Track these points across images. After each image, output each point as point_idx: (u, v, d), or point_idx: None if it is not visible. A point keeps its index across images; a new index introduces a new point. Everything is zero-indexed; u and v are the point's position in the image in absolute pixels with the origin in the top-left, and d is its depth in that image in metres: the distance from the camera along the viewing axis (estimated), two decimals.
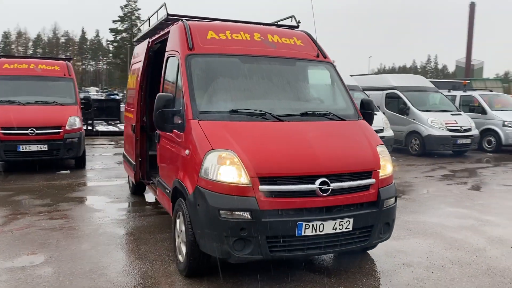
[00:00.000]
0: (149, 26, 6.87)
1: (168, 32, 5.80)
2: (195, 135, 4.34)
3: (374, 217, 4.37)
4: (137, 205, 7.53)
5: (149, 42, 6.72)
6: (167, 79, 5.52)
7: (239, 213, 3.91)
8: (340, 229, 4.16)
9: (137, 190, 8.06)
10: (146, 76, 6.77)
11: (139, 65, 6.95)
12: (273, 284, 4.40)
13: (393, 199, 4.61)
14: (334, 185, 4.15)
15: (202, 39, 5.10)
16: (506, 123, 14.94)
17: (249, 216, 3.90)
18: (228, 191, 3.97)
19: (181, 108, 4.61)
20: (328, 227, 4.10)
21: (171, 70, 5.41)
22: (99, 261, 4.94)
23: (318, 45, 5.71)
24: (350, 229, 4.21)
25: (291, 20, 6.48)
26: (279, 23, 6.68)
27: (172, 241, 4.94)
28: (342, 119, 4.95)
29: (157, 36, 6.57)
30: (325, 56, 5.61)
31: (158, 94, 4.67)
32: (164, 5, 5.95)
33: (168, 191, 5.06)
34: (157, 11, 6.49)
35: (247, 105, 4.74)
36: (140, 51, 7.31)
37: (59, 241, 5.54)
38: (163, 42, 6.34)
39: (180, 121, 4.61)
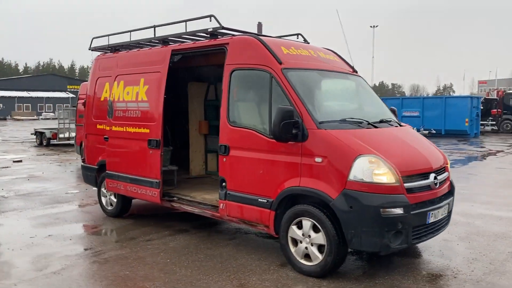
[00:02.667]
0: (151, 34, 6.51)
1: (220, 44, 5.80)
2: (329, 142, 4.66)
3: (452, 203, 5.40)
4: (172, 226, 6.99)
5: (172, 50, 6.39)
6: (235, 93, 5.54)
7: (394, 209, 4.45)
8: (443, 214, 5.07)
9: (121, 211, 7.42)
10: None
11: (153, 76, 6.51)
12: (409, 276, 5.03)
13: None
14: (439, 178, 5.04)
15: (281, 54, 5.35)
16: None
17: (402, 211, 4.47)
18: (384, 190, 4.47)
19: (297, 119, 4.82)
20: (440, 213, 4.96)
21: (245, 84, 5.50)
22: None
23: (346, 61, 6.49)
24: (446, 214, 5.15)
25: (297, 38, 7.02)
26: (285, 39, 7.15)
27: (284, 248, 5.06)
28: (400, 125, 5.84)
29: (185, 45, 6.35)
30: (356, 71, 6.42)
31: (279, 106, 4.78)
32: (213, 16, 5.86)
33: (264, 201, 5.14)
34: (185, 20, 6.28)
35: (345, 114, 5.25)
36: (146, 59, 6.79)
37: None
38: (184, 53, 6.28)
39: (296, 131, 4.81)
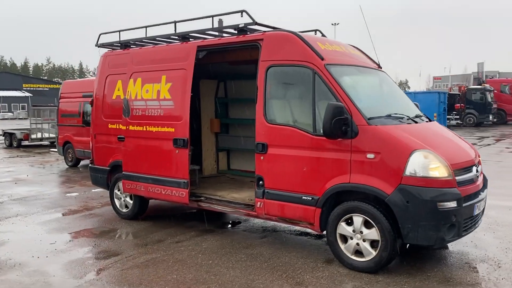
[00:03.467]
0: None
1: (252, 40, 5.71)
2: (382, 139, 4.69)
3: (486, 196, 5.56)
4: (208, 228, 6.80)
5: (197, 46, 6.22)
6: (273, 90, 5.48)
7: (449, 202, 4.53)
8: (483, 206, 5.21)
9: (138, 213, 7.20)
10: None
11: (177, 73, 6.33)
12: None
13: None
14: (478, 171, 5.18)
15: (320, 49, 5.33)
16: None
17: (455, 205, 4.56)
18: (438, 185, 4.55)
19: (347, 116, 4.81)
20: (481, 205, 5.11)
21: (284, 80, 5.46)
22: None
23: (370, 56, 6.55)
24: (484, 206, 5.30)
25: (315, 33, 7.01)
26: None
27: (332, 245, 5.05)
28: (430, 120, 5.95)
29: (212, 41, 6.22)
30: (380, 67, 6.49)
31: (329, 103, 4.75)
32: (244, 11, 5.76)
33: (309, 199, 5.12)
34: (212, 16, 6.14)
35: (386, 110, 5.30)
36: (167, 55, 6.57)
37: None
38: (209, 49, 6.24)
39: (346, 128, 4.81)
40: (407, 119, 5.30)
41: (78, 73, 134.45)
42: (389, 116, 5.14)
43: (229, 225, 6.93)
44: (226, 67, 7.94)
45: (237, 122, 8.50)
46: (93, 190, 9.80)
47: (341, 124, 4.75)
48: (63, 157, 14.51)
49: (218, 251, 5.63)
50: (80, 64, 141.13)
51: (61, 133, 14.36)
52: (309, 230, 6.26)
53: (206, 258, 5.39)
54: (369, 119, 4.84)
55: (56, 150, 15.77)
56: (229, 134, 8.61)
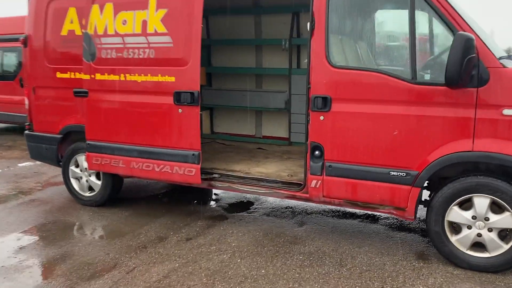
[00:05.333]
0: None
1: None
2: None
3: None
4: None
5: None
6: (339, 20, 3.81)
7: None
8: None
9: (110, 195, 5.18)
10: None
11: None
12: None
13: None
14: None
15: None
16: None
17: None
18: None
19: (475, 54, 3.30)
20: None
21: (358, 7, 3.81)
22: None
23: None
24: None
25: None
26: None
27: (436, 237, 3.64)
28: None
29: None
30: None
31: (459, 33, 3.19)
32: None
33: (402, 175, 3.63)
34: None
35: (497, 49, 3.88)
36: None
37: None
38: None
39: (474, 72, 3.33)
40: None
41: None
42: (510, 56, 3.74)
43: (240, 209, 5.21)
44: None
45: (223, 71, 6.63)
46: (19, 165, 7.35)
47: (472, 66, 3.25)
48: None
49: (259, 252, 3.95)
50: None
51: None
52: (353, 210, 4.83)
53: (252, 265, 3.69)
54: (499, 58, 3.40)
55: None
56: (213, 87, 6.72)
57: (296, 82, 5.78)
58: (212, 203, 5.37)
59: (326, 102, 3.81)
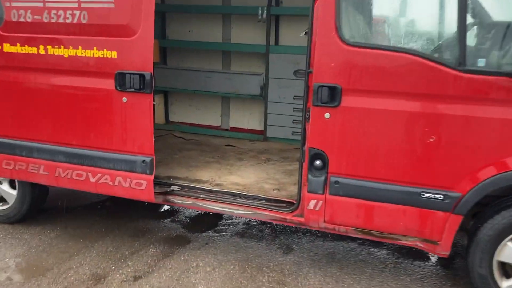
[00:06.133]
0: None
1: None
2: None
3: None
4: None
5: None
6: None
7: None
8: None
9: (30, 209, 3.87)
10: None
11: None
12: None
13: None
14: None
15: None
16: None
17: None
18: None
19: None
20: None
21: None
22: None
23: None
24: None
25: None
26: None
27: (482, 281, 2.68)
28: None
29: None
30: None
31: None
32: None
33: (438, 197, 2.63)
34: None
35: None
36: None
37: None
38: None
39: None
40: None
41: None
42: None
43: (205, 227, 4.05)
44: None
45: (181, 46, 5.37)
46: None
47: None
48: None
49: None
50: None
51: None
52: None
53: None
54: None
55: None
56: (168, 66, 5.45)
57: (275, 62, 4.66)
58: (168, 218, 4.18)
59: (334, 94, 2.71)
